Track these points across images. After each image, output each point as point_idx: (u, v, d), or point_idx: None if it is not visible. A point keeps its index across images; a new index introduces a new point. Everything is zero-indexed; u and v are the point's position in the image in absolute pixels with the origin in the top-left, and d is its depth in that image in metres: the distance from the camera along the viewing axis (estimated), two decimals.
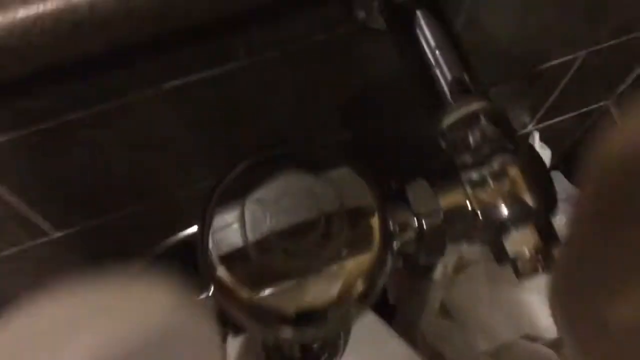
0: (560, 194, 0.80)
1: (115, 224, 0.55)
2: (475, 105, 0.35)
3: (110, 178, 0.49)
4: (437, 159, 0.37)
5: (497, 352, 0.81)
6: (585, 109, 0.74)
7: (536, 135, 0.74)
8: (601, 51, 0.58)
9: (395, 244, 0.33)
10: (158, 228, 0.60)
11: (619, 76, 0.69)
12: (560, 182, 0.78)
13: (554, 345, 0.84)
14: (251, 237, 0.29)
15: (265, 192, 0.29)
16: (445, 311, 0.80)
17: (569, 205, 0.66)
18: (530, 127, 0.73)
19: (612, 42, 0.57)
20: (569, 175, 0.79)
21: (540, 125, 0.74)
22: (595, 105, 0.74)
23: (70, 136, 0.40)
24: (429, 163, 0.37)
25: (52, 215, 0.51)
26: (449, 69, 0.38)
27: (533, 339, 0.85)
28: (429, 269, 0.77)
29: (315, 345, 0.51)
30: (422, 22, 0.40)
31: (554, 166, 0.79)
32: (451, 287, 0.78)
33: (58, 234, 0.54)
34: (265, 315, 0.30)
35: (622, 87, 0.70)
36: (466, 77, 0.39)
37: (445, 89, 0.38)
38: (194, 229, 0.62)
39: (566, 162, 0.81)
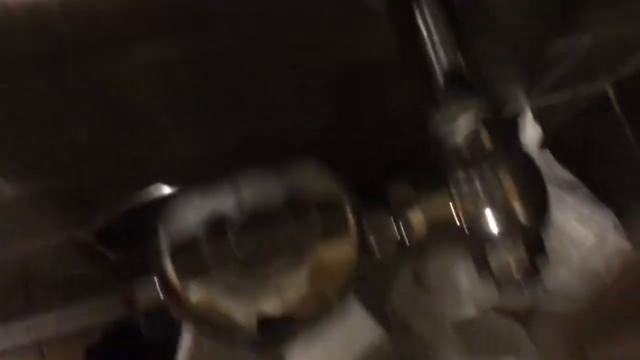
0: (549, 176, 0.78)
1: (77, 184, 0.52)
2: (470, 105, 0.32)
3: (70, 140, 0.46)
4: (423, 155, 0.34)
5: (466, 326, 0.80)
6: (583, 91, 0.71)
7: (528, 113, 0.72)
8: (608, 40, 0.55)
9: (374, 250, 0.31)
10: (124, 188, 0.57)
11: (622, 61, 0.65)
12: (548, 163, 0.76)
13: (525, 316, 0.84)
14: (211, 240, 0.26)
15: (234, 198, 0.27)
16: (419, 279, 0.79)
17: (556, 188, 0.64)
18: (522, 102, 0.70)
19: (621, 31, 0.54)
20: (557, 156, 0.77)
21: (533, 102, 0.71)
22: (594, 88, 0.71)
23: (26, 101, 0.37)
24: (415, 158, 0.35)
25: (7, 173, 0.48)
26: (446, 52, 0.36)
27: (505, 309, 0.84)
28: None
29: None
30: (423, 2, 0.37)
31: (544, 145, 0.76)
32: (425, 253, 0.77)
33: (13, 193, 0.51)
34: (220, 323, 0.28)
35: (624, 72, 0.67)
36: (462, 62, 0.36)
37: (439, 74, 0.35)
38: (162, 189, 0.60)
39: (555, 141, 0.79)
